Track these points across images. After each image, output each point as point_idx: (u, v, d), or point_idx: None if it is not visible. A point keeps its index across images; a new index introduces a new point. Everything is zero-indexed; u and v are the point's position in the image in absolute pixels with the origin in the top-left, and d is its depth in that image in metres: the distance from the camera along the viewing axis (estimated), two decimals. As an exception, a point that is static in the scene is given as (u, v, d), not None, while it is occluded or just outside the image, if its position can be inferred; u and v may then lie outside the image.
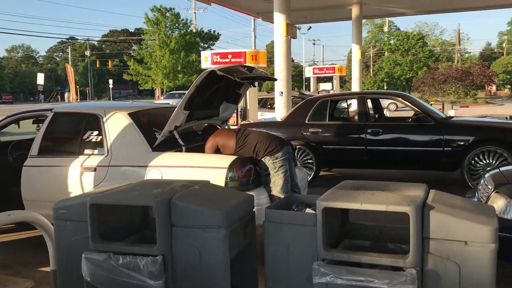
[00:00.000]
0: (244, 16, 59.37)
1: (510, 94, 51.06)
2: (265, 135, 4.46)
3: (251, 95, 10.81)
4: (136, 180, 3.60)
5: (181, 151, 4.41)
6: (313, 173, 7.51)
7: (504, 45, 57.60)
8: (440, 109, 15.95)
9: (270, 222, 2.57)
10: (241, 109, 10.89)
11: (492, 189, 3.78)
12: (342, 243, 2.75)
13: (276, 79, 6.45)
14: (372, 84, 50.76)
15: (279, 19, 10.92)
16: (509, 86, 53.21)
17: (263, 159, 4.25)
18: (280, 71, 10.97)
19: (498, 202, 3.62)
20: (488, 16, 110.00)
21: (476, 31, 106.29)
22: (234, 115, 10.72)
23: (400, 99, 7.61)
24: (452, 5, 18.66)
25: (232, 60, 11.26)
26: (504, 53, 56.41)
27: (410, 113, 7.75)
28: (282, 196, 4.15)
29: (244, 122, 9.52)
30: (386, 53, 56.23)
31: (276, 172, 4.22)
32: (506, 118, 10.34)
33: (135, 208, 2.90)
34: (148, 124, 4.70)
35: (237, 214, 2.62)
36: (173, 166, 4.20)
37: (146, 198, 2.61)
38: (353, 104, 8.68)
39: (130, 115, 4.61)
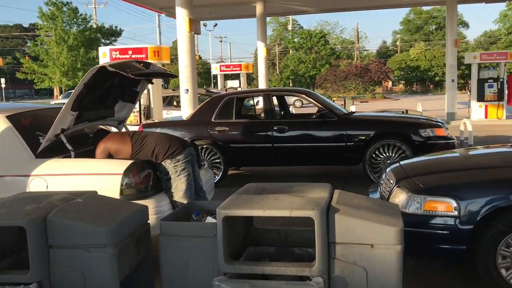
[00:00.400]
0: (149, 12, 57.75)
1: (404, 89, 54.85)
2: (164, 137, 4.15)
3: (155, 92, 10.35)
4: (17, 192, 3.14)
5: (69, 157, 3.96)
6: (221, 172, 7.30)
7: (398, 43, 61.69)
8: (342, 104, 16.58)
9: (165, 236, 2.30)
10: (145, 107, 10.39)
11: (394, 184, 3.81)
12: (247, 251, 2.55)
13: (176, 76, 6.12)
14: (279, 81, 51.80)
15: (182, 14, 10.57)
16: (403, 82, 57.11)
17: (163, 162, 3.94)
18: (184, 67, 10.64)
19: (400, 197, 3.65)
20: (383, 15, 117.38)
21: (373, 30, 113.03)
22: (137, 114, 10.21)
23: (304, 96, 7.65)
24: (350, 4, 19.48)
25: (133, 56, 10.67)
26: (398, 50, 60.41)
27: (315, 110, 7.83)
28: (185, 202, 3.88)
29: (147, 121, 9.06)
30: (290, 51, 57.71)
31: (178, 176, 3.93)
32: (402, 112, 10.89)
33: (6, 228, 2.48)
34: (31, 128, 4.18)
35: (127, 229, 2.32)
36: (60, 175, 3.74)
37: (15, 217, 2.22)
38: (260, 102, 8.62)
39: (9, 118, 4.06)
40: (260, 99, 8.09)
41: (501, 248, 3.25)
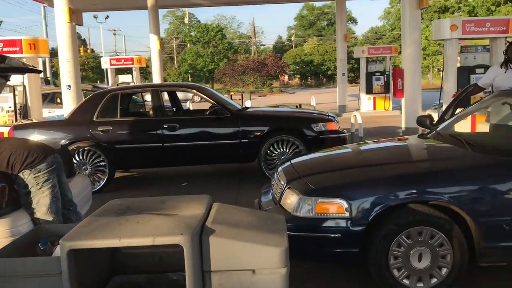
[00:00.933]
0: (34, 3, 53.27)
1: (299, 83, 56.64)
2: (21, 143, 3.52)
3: (33, 89, 9.27)
4: None
5: None
6: (106, 177, 6.67)
7: (292, 38, 63.46)
8: (240, 99, 16.44)
9: (-3, 276, 1.79)
10: (21, 106, 9.29)
11: (285, 185, 3.58)
12: (112, 282, 2.12)
13: (40, 71, 5.34)
14: (178, 76, 50.76)
15: (60, 4, 9.60)
16: (298, 76, 58.95)
17: (21, 173, 3.33)
18: (65, 61, 9.70)
19: (291, 199, 3.42)
20: (278, 11, 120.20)
21: (269, 25, 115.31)
22: (13, 113, 9.09)
23: (194, 91, 7.25)
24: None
25: (5, 49, 9.50)
26: (293, 45, 62.20)
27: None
28: (50, 219, 3.32)
29: (21, 121, 8.08)
30: (188, 45, 56.83)
31: (40, 188, 3.34)
32: (296, 106, 10.94)
33: None
34: None
35: None
36: None
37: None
38: (149, 98, 8.06)
39: None
40: (149, 95, 7.54)
41: (393, 248, 3.15)
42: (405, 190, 3.17)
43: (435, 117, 11.71)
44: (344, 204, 3.17)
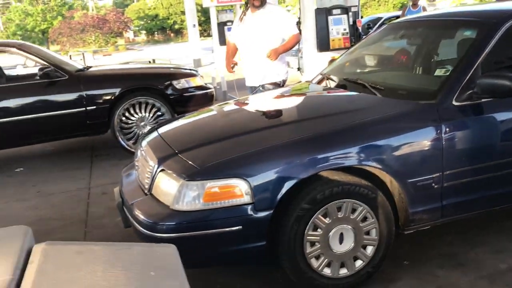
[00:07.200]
0: None
1: (146, 40, 53.67)
2: None
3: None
4: None
5: None
6: None
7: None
8: (81, 59, 14.39)
9: None
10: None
11: (156, 167, 2.59)
12: None
13: None
14: (5, 38, 44.21)
15: None
16: (144, 32, 55.69)
17: None
18: None
19: (168, 186, 2.45)
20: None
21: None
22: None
23: (16, 50, 5.60)
24: None
25: None
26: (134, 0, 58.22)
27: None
28: None
29: None
30: (13, 2, 49.68)
31: None
32: (149, 62, 9.69)
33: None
34: None
35: None
36: None
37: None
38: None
39: None
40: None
41: (308, 233, 2.41)
42: (316, 155, 2.42)
43: (294, 64, 11.42)
44: (242, 185, 2.32)
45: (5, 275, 0.93)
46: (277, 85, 4.52)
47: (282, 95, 3.75)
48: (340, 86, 3.42)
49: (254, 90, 4.63)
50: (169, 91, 5.67)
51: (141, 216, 2.47)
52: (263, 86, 4.50)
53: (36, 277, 0.93)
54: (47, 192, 4.57)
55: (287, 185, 2.36)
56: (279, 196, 2.35)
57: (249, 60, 4.65)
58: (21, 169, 5.51)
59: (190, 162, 2.47)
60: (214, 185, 2.33)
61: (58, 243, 1.10)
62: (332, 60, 4.34)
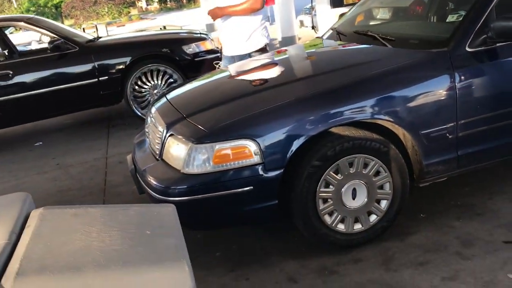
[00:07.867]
0: None
1: (159, 8, 53.10)
2: None
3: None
4: None
5: None
6: None
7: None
8: (95, 32, 14.35)
9: None
10: None
11: (165, 132, 2.58)
12: None
13: None
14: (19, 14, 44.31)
15: None
16: (157, 0, 55.10)
17: None
18: None
19: (177, 150, 2.45)
20: None
21: None
22: None
23: (24, 24, 5.60)
24: None
25: None
26: (145, -33, 57.27)
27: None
28: None
29: None
30: (24, -21, 49.42)
31: None
32: (161, 28, 9.59)
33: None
34: None
35: None
36: None
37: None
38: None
39: None
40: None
41: (320, 190, 2.39)
42: (326, 111, 2.37)
43: (308, 22, 11.13)
44: (252, 145, 2.30)
45: (1, 240, 0.94)
46: (263, 50, 3.98)
47: (290, 53, 3.67)
48: (350, 39, 3.33)
49: (233, 60, 4.04)
50: (180, 57, 5.62)
51: (153, 181, 2.48)
52: (249, 55, 3.95)
53: (31, 240, 0.95)
54: (66, 164, 4.65)
55: (297, 143, 2.33)
56: (289, 154, 2.33)
57: (225, 27, 4.03)
58: (41, 143, 5.60)
59: (198, 126, 2.45)
60: (223, 147, 2.32)
61: (56, 207, 1.10)
62: (342, 14, 4.20)
